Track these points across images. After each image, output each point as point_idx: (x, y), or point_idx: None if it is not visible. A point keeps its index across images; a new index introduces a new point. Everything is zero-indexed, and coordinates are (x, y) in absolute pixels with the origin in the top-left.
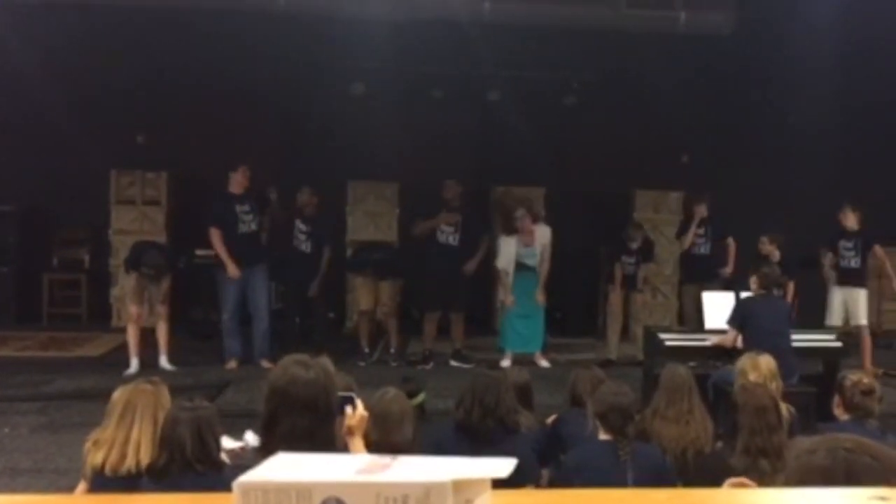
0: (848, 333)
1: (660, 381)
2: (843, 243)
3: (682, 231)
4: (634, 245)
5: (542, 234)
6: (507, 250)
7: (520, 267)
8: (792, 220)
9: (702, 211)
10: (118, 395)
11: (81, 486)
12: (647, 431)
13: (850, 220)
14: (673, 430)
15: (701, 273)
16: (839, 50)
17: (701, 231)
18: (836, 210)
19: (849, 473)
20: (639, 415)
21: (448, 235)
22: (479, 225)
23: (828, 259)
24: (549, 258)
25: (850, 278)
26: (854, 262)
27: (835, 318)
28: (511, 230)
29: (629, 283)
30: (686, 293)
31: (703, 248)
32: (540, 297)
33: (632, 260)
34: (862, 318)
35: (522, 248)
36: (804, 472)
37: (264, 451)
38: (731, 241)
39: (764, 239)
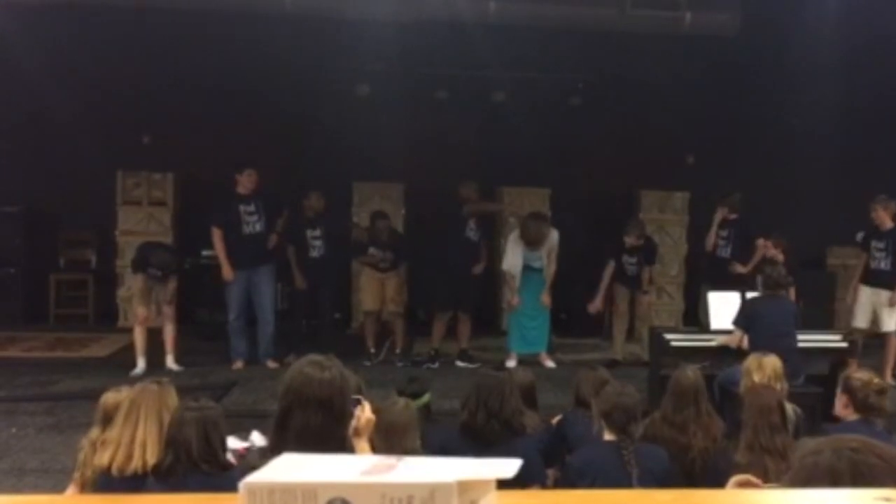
0: (866, 336)
1: (668, 385)
2: (874, 243)
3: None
4: (629, 240)
5: (550, 237)
6: (514, 252)
7: (526, 269)
8: (796, 221)
9: (723, 212)
10: (109, 397)
11: (72, 488)
12: (656, 437)
13: (882, 218)
14: (680, 438)
15: (720, 275)
16: (844, 51)
17: (724, 233)
18: (838, 210)
19: (855, 474)
20: (647, 417)
21: (474, 232)
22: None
23: (862, 258)
24: (555, 261)
25: (878, 279)
26: (884, 264)
27: (859, 319)
28: (528, 239)
29: (633, 284)
30: (703, 295)
31: (725, 251)
32: (545, 300)
33: (633, 260)
34: (891, 325)
35: (529, 252)
36: (810, 472)
37: (274, 449)
38: (760, 243)
39: (768, 242)
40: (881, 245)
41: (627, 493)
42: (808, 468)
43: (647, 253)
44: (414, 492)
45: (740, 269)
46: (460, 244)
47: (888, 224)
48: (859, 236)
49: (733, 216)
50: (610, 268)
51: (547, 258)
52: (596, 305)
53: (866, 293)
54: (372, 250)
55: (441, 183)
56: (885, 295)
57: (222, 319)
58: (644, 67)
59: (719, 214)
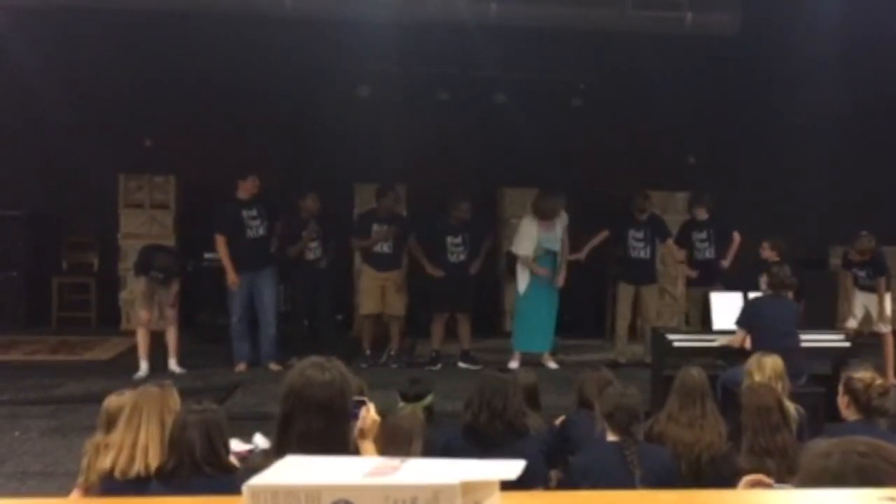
0: (860, 334)
1: (673, 385)
2: (856, 271)
3: (679, 235)
4: (644, 216)
5: (562, 216)
6: (528, 233)
7: (542, 255)
8: (798, 220)
9: (700, 213)
10: (112, 401)
11: (76, 493)
12: (663, 435)
13: (856, 256)
14: (687, 434)
15: (707, 278)
16: (844, 50)
17: (703, 235)
18: (840, 209)
19: (862, 477)
20: (651, 417)
21: (458, 255)
22: (484, 233)
23: (847, 280)
24: (568, 241)
25: (866, 288)
26: (870, 285)
27: (851, 321)
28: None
29: (640, 272)
30: (691, 298)
31: (708, 253)
32: (560, 280)
33: (640, 234)
34: (880, 326)
35: (544, 233)
36: (818, 475)
37: (278, 451)
38: (736, 237)
39: (765, 244)
40: (862, 273)
41: (631, 493)
42: (815, 471)
43: (656, 226)
44: (418, 493)
45: (724, 263)
46: (445, 261)
47: (867, 256)
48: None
49: (707, 216)
50: (603, 235)
51: (561, 241)
52: (578, 256)
53: (858, 295)
54: (375, 227)
55: (443, 184)
56: (873, 297)
57: (224, 322)
58: (645, 68)
59: (698, 216)
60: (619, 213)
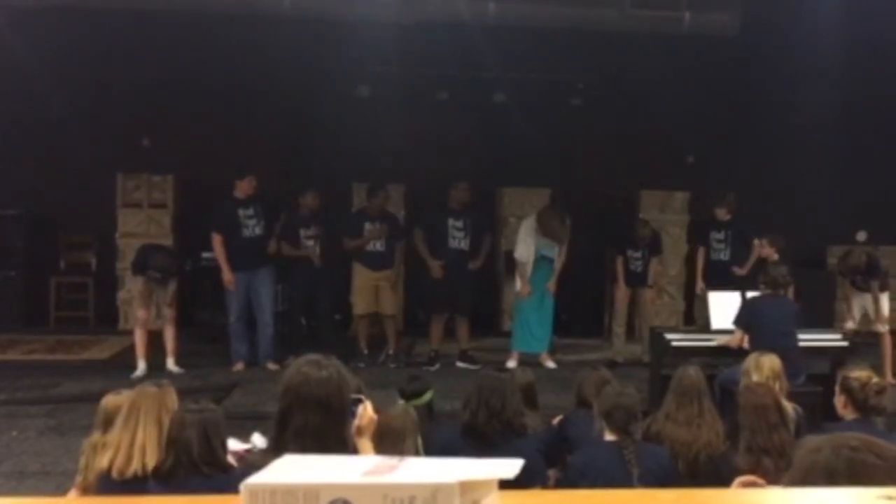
0: (858, 333)
1: (670, 384)
2: (851, 277)
3: (695, 235)
4: (643, 243)
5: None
6: (527, 241)
7: (539, 259)
8: (797, 220)
9: (721, 214)
10: (109, 400)
11: (74, 492)
12: (661, 434)
13: (853, 263)
14: (684, 433)
15: (720, 280)
16: (843, 50)
17: (720, 236)
18: (839, 209)
19: (852, 472)
20: (649, 417)
21: (459, 241)
22: (485, 226)
23: (845, 284)
24: (565, 253)
25: (864, 290)
26: (866, 287)
27: (850, 322)
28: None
29: (636, 280)
30: (702, 299)
31: (723, 254)
32: (552, 286)
33: (638, 254)
34: (878, 326)
35: (542, 240)
36: (808, 470)
37: (275, 448)
38: (755, 243)
39: (764, 241)
40: (858, 278)
41: (629, 492)
42: (806, 466)
43: (653, 245)
44: (416, 492)
45: (739, 271)
46: (445, 251)
47: (862, 269)
48: (860, 236)
49: (728, 217)
50: (620, 263)
51: (559, 248)
52: (622, 292)
53: (856, 295)
54: (367, 226)
55: (442, 184)
56: (868, 297)
57: (222, 321)
58: (644, 68)
59: (719, 216)
60: (618, 235)
